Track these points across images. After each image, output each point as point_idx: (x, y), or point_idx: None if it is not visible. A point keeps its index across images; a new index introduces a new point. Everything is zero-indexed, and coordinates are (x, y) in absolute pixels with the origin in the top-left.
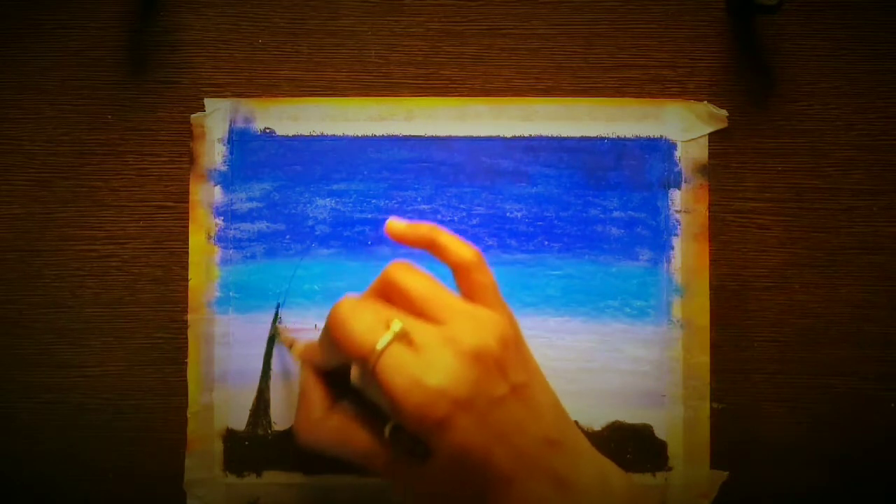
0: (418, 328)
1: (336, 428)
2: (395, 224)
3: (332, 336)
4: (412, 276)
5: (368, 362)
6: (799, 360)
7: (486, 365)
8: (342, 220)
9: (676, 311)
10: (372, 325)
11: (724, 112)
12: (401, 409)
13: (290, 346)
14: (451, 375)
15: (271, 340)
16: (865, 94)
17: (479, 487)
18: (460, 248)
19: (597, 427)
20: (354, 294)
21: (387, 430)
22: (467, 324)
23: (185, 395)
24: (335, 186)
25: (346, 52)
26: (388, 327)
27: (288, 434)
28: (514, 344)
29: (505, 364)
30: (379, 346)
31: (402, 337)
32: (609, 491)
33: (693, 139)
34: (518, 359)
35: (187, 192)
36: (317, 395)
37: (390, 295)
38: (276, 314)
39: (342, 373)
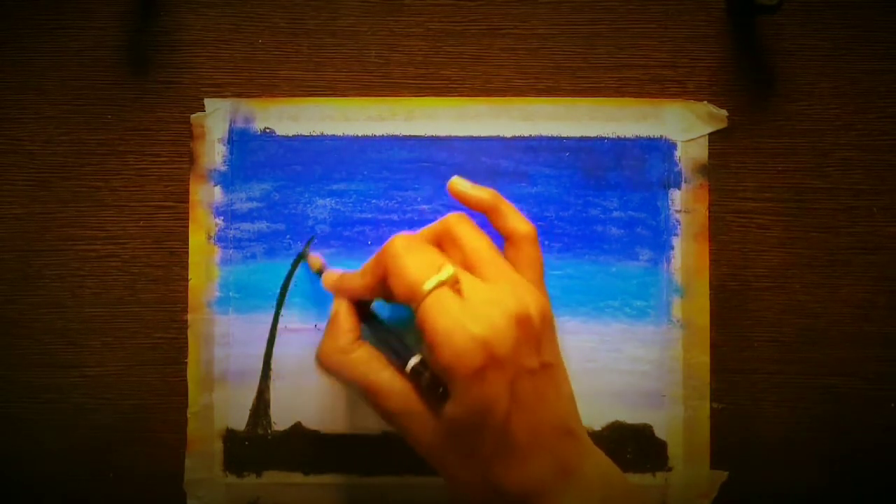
0: (468, 280)
1: (360, 360)
2: (459, 182)
3: (385, 269)
4: (470, 231)
5: (415, 300)
6: (799, 360)
7: (526, 333)
8: (342, 220)
9: (676, 311)
10: (424, 265)
11: (724, 112)
12: (440, 350)
13: (319, 271)
14: (493, 329)
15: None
16: (865, 94)
17: (488, 452)
18: (519, 219)
19: (597, 427)
20: (408, 232)
21: (409, 365)
22: (514, 289)
23: (185, 395)
24: (335, 186)
25: (346, 52)
26: (438, 270)
27: (288, 434)
28: (550, 323)
29: (541, 339)
30: (427, 287)
31: (452, 283)
32: (609, 491)
33: (693, 139)
34: (551, 339)
35: (187, 192)
36: (347, 324)
37: (444, 243)
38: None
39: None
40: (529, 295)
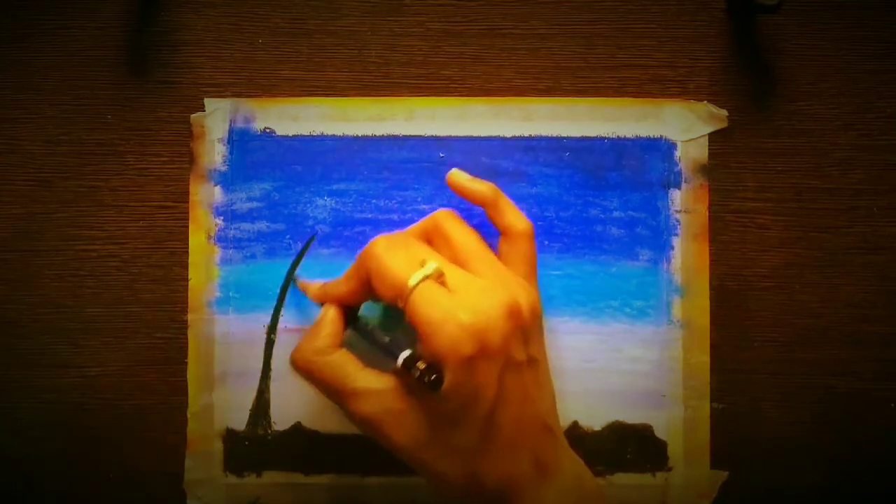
0: (457, 273)
1: (335, 362)
2: (459, 174)
3: (367, 271)
4: (458, 226)
5: (402, 297)
6: (799, 360)
7: (515, 325)
8: (342, 220)
9: (676, 311)
10: (406, 262)
11: (724, 112)
12: (433, 339)
13: (305, 290)
14: (485, 319)
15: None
16: (865, 94)
17: (472, 443)
18: (517, 215)
19: (597, 427)
20: (388, 234)
21: (400, 358)
22: (504, 282)
23: (185, 395)
24: (335, 186)
25: (346, 52)
26: (422, 266)
27: (288, 434)
28: (538, 318)
29: (529, 333)
30: (412, 282)
31: (437, 277)
32: (583, 491)
33: (693, 139)
34: (539, 334)
35: (187, 192)
36: (329, 329)
37: (433, 239)
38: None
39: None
40: (520, 288)
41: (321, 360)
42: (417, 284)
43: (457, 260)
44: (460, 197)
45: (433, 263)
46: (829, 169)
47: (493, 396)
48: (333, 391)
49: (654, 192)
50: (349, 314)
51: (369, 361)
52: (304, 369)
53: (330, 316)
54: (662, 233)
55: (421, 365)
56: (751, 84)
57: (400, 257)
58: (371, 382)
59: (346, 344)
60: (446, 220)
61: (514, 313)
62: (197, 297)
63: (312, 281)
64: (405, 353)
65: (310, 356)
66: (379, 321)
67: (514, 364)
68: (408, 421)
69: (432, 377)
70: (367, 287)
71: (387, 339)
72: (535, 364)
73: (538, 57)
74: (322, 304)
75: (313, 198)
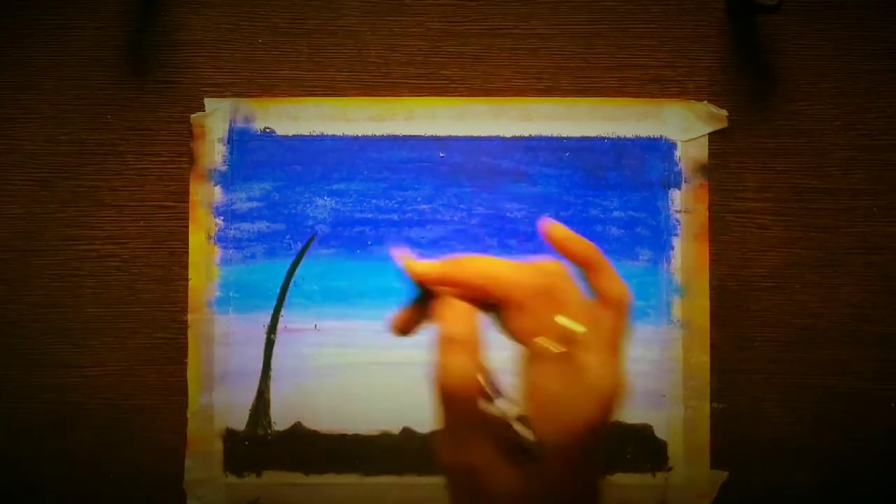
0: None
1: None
2: (558, 228)
3: (545, 284)
4: (576, 292)
5: (565, 345)
6: (799, 360)
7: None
8: (342, 219)
9: (676, 311)
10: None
11: (724, 112)
12: (545, 416)
13: (408, 266)
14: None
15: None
16: (865, 94)
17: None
18: (617, 281)
19: None
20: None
21: (510, 413)
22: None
23: (185, 395)
24: (335, 186)
25: (346, 52)
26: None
27: (288, 434)
28: (620, 401)
29: (604, 425)
30: (554, 348)
31: (571, 343)
32: None
33: (693, 139)
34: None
35: (187, 192)
36: (480, 339)
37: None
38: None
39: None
40: (602, 360)
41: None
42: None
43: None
44: (555, 251)
45: (582, 327)
46: (829, 169)
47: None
48: (480, 427)
49: (654, 192)
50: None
51: None
52: (462, 394)
53: (476, 321)
54: (662, 233)
55: (529, 434)
56: (751, 84)
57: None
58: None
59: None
60: (565, 281)
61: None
62: (197, 297)
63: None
64: (513, 410)
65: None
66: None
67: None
68: (496, 471)
69: (529, 450)
70: (492, 299)
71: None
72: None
73: (538, 57)
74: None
75: (313, 198)
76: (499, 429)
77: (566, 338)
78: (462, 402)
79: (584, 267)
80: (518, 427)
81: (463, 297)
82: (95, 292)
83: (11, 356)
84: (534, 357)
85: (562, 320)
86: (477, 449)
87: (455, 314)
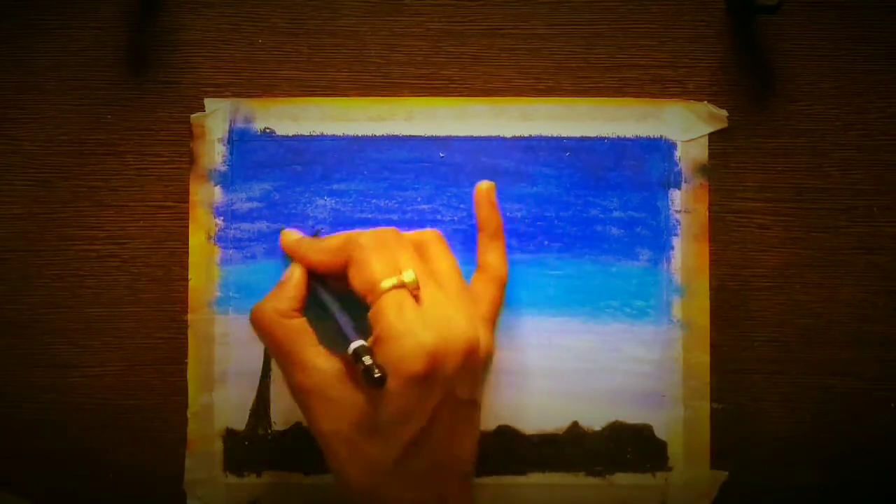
0: (430, 290)
1: (294, 328)
2: (490, 190)
3: (348, 256)
4: (443, 249)
5: (372, 294)
6: (799, 360)
7: (469, 361)
8: (342, 220)
9: (676, 311)
10: (388, 265)
11: (724, 112)
12: (387, 348)
13: (283, 237)
14: (443, 345)
15: None
16: (865, 94)
17: (385, 463)
18: (503, 261)
19: (597, 427)
20: (390, 229)
21: (352, 347)
22: (471, 316)
23: (185, 395)
24: (335, 186)
25: (346, 52)
26: (400, 272)
27: (288, 434)
28: (489, 364)
29: (477, 376)
30: (385, 285)
31: (412, 288)
32: None
33: (693, 139)
34: (483, 380)
35: (187, 192)
36: (294, 292)
37: (417, 253)
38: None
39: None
40: (483, 328)
41: (280, 322)
42: (390, 288)
43: (433, 280)
44: (474, 205)
45: (411, 273)
46: (829, 169)
47: (422, 424)
48: (283, 354)
49: (654, 192)
50: (314, 278)
51: (323, 334)
52: (261, 327)
53: (296, 278)
54: (662, 233)
55: (368, 360)
56: (751, 84)
57: (383, 256)
58: (318, 360)
59: (305, 310)
60: (434, 239)
61: (472, 350)
62: (197, 297)
63: (295, 231)
64: (358, 343)
65: (270, 315)
66: (341, 300)
67: (454, 400)
68: (337, 410)
69: (376, 375)
70: (341, 268)
71: (344, 320)
72: (472, 406)
73: (538, 57)
74: (289, 259)
75: (313, 198)
76: (347, 363)
77: (403, 284)
78: (274, 336)
79: (483, 233)
80: (365, 357)
81: (317, 267)
82: (95, 292)
83: (11, 356)
84: (378, 309)
85: (388, 282)
86: (308, 374)
87: (289, 272)
